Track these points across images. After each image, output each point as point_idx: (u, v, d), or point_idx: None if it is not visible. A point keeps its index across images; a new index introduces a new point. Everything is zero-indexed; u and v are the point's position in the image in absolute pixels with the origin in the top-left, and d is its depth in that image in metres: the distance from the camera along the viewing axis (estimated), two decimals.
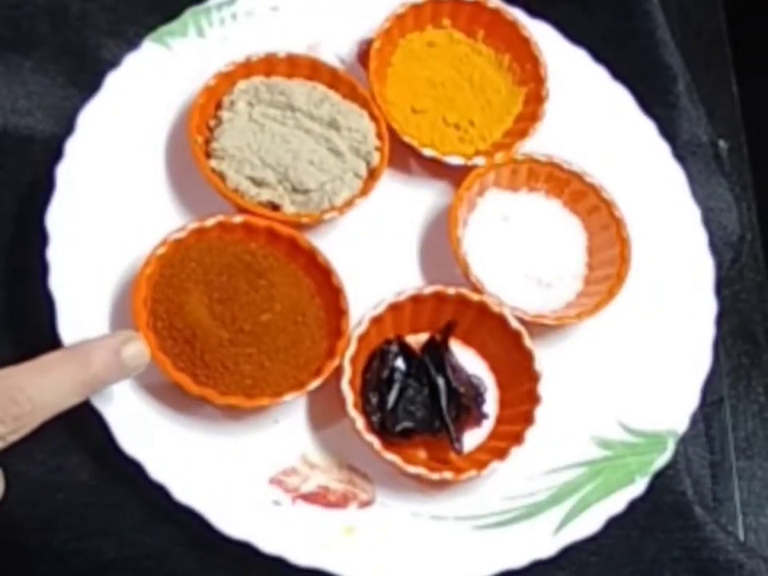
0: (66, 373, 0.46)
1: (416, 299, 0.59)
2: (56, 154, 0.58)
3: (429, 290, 0.59)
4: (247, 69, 0.62)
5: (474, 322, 0.60)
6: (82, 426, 0.54)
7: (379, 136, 0.63)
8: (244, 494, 0.55)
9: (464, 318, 0.60)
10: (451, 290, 0.59)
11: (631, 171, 0.67)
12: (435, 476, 0.55)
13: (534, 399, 0.58)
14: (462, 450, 0.57)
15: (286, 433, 0.57)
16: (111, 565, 0.54)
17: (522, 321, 0.59)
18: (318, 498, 0.56)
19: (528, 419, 0.57)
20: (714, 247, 0.67)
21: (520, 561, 0.55)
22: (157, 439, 0.54)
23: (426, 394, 0.58)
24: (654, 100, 0.70)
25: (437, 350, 0.59)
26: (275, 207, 0.60)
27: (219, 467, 0.55)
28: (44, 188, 0.58)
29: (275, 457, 0.56)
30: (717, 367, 0.64)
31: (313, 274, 0.58)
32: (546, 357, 0.59)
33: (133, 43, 0.63)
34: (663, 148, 0.68)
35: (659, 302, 0.64)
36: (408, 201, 0.65)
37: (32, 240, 0.57)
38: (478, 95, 0.66)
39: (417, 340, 0.60)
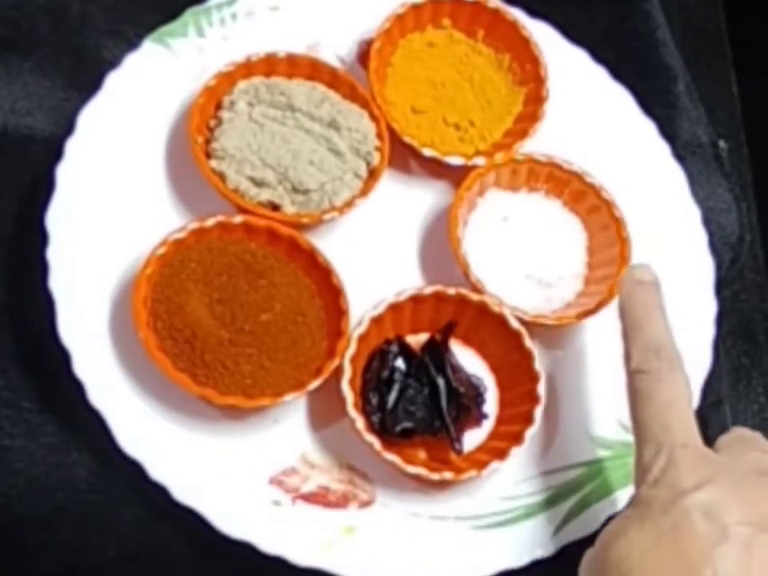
0: None
1: (416, 299, 0.59)
2: (56, 154, 0.58)
3: (429, 289, 0.59)
4: (247, 69, 0.62)
5: (474, 321, 0.60)
6: (82, 425, 0.54)
7: (379, 136, 0.63)
8: (244, 494, 0.54)
9: (464, 318, 0.60)
10: (451, 290, 0.59)
11: (631, 171, 0.67)
12: (435, 476, 0.55)
13: (533, 399, 0.58)
14: (462, 450, 0.57)
15: (285, 433, 0.57)
16: (111, 563, 0.54)
17: (521, 321, 0.59)
18: (318, 497, 0.56)
19: (528, 419, 0.57)
20: (714, 247, 0.67)
21: (520, 561, 0.55)
22: (157, 439, 0.54)
23: (426, 394, 0.58)
24: (654, 100, 0.70)
25: (437, 350, 0.59)
26: (275, 207, 0.60)
27: (219, 467, 0.55)
28: (44, 188, 0.57)
29: (275, 457, 0.56)
30: (717, 367, 0.64)
31: (313, 274, 0.58)
32: (546, 357, 0.59)
33: (133, 43, 0.63)
34: (663, 148, 0.68)
35: None
36: (408, 201, 0.64)
37: (32, 240, 0.57)
38: (478, 95, 0.66)
39: (417, 340, 0.60)
